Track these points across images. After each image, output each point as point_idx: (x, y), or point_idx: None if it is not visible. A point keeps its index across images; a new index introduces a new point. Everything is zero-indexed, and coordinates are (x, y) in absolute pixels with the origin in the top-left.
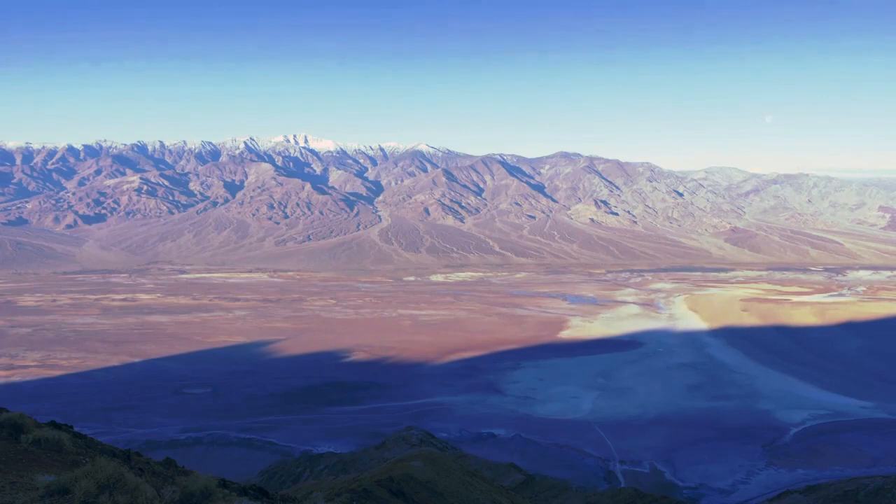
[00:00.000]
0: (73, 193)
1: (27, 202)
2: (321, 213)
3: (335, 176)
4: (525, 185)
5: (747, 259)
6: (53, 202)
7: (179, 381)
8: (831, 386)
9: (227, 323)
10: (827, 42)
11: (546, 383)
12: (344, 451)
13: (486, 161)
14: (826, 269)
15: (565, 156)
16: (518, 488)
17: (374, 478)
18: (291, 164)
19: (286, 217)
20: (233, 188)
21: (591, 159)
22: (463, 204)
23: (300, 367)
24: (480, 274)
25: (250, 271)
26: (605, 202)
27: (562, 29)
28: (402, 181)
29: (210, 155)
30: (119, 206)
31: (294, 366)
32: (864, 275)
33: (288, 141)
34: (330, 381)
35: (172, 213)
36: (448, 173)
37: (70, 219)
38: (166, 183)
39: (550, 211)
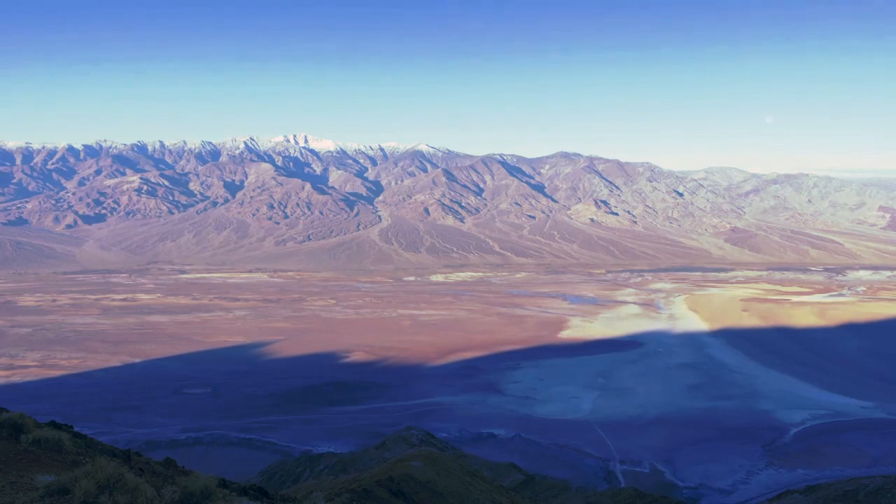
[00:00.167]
0: (73, 193)
1: (27, 202)
2: (321, 213)
3: (335, 176)
4: (525, 185)
5: (747, 259)
6: (53, 202)
7: (179, 381)
8: (831, 386)
9: (227, 323)
10: (827, 42)
11: (546, 383)
12: (344, 451)
13: (486, 161)
14: (826, 269)
15: (565, 156)
16: (518, 488)
17: (374, 478)
18: (291, 164)
19: (286, 217)
20: (233, 188)
21: (591, 159)
22: (463, 204)
23: (300, 367)
24: (480, 274)
25: (250, 271)
26: (605, 202)
27: (561, 29)
28: (402, 181)
29: (210, 155)
30: (119, 206)
31: (294, 366)
32: (864, 275)
33: (288, 141)
34: (330, 381)
35: (172, 213)
36: (448, 173)
37: (70, 219)
38: (166, 183)
39: (550, 211)
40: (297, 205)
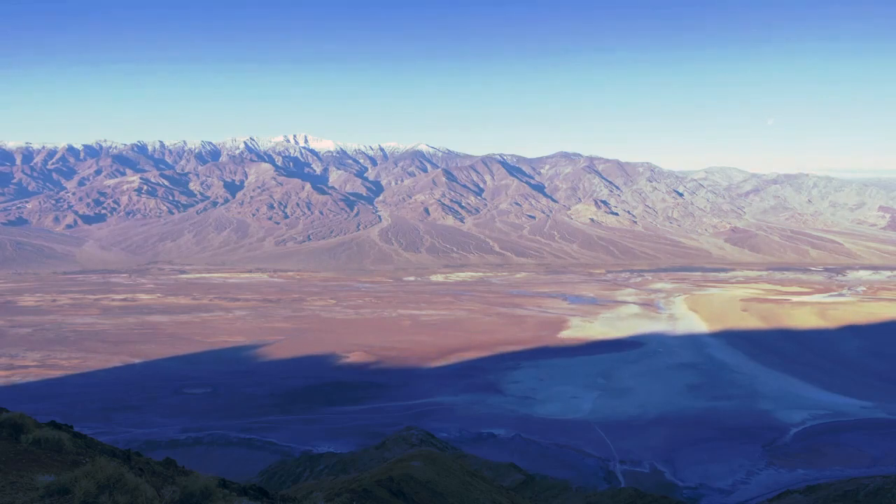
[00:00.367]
0: (73, 193)
1: (27, 202)
2: (321, 213)
3: (335, 176)
4: (525, 185)
5: (747, 259)
6: (53, 202)
7: (179, 381)
8: (831, 386)
9: (227, 323)
10: (827, 42)
11: (546, 383)
12: (344, 451)
13: (486, 161)
14: (826, 269)
15: (565, 156)
16: (518, 488)
17: (374, 478)
18: (291, 164)
19: (286, 217)
20: (233, 188)
21: (591, 159)
22: (463, 204)
23: (300, 367)
24: (480, 274)
25: (250, 271)
26: (605, 202)
27: (562, 29)
28: (402, 181)
29: (210, 155)
30: (119, 206)
31: (294, 366)
32: (864, 275)
33: (288, 141)
34: (330, 381)
35: (172, 213)
36: (448, 173)
37: (70, 219)
38: (166, 183)
39: (550, 211)
40: (297, 205)
